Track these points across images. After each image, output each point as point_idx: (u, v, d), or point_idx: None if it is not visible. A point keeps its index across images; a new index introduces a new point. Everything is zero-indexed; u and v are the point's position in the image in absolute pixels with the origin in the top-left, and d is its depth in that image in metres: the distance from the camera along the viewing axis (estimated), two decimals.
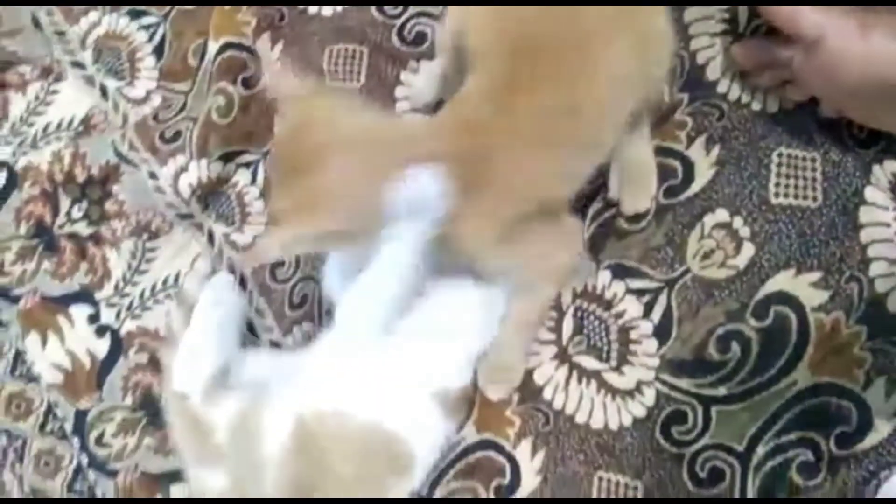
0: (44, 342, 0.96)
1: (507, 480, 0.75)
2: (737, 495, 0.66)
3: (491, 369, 0.73)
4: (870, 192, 0.67)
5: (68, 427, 0.94)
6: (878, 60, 0.58)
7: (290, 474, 0.67)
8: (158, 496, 0.89)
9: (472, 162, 0.55)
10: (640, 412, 0.71)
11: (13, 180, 1.00)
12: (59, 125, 0.99)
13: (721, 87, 0.72)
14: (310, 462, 0.68)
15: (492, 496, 0.75)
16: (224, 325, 0.82)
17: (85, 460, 0.93)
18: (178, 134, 0.89)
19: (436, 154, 0.55)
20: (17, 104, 1.02)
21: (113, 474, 0.91)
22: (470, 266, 0.66)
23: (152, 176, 0.92)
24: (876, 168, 0.67)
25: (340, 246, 0.65)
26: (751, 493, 0.66)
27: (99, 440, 0.93)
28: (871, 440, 0.64)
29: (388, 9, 0.87)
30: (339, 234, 0.56)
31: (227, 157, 0.89)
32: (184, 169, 0.88)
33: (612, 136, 0.60)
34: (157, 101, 0.95)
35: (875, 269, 0.66)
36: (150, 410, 0.91)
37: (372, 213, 0.55)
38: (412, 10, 0.86)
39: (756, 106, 0.71)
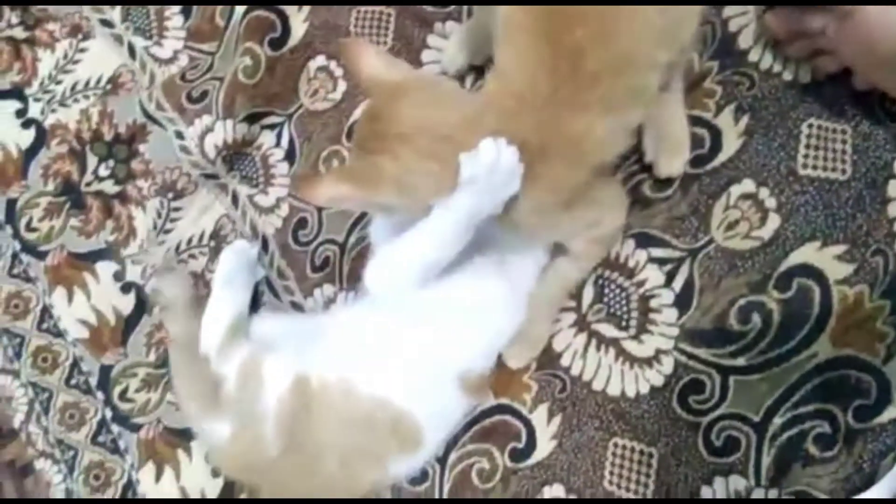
0: (70, 298, 0.99)
1: (522, 444, 0.77)
2: (751, 465, 0.67)
3: (516, 340, 0.75)
4: None
5: (93, 381, 0.98)
6: None
7: (286, 429, 0.70)
8: (180, 451, 0.92)
9: (543, 133, 0.56)
10: (658, 381, 0.72)
11: (41, 137, 1.02)
12: (87, 83, 1.01)
13: (753, 56, 0.72)
14: (306, 422, 0.70)
15: (507, 459, 0.77)
16: (241, 288, 0.84)
17: (109, 414, 0.96)
18: (204, 94, 0.91)
19: (509, 129, 0.56)
20: (47, 62, 1.03)
21: (136, 428, 0.94)
22: (521, 235, 0.67)
23: (179, 136, 0.93)
24: None
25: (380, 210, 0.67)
26: (765, 463, 0.67)
27: (123, 395, 0.96)
28: (889, 414, 0.64)
29: None
30: (385, 205, 0.59)
31: (252, 118, 0.90)
32: (210, 129, 0.89)
33: (654, 85, 0.60)
34: (184, 61, 0.96)
35: None
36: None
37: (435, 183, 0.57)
38: None
39: (787, 76, 0.70)
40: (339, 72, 0.89)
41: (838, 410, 0.65)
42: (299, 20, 0.91)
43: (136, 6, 1.00)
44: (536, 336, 0.75)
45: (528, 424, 0.77)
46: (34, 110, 1.03)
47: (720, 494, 0.68)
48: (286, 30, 0.90)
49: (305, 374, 0.70)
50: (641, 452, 0.72)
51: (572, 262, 0.71)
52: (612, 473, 0.73)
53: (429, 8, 0.86)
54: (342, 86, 0.89)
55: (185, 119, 0.92)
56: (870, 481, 0.63)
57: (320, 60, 0.90)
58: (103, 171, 0.99)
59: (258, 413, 0.70)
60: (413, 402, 0.70)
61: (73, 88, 1.02)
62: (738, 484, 0.68)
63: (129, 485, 0.95)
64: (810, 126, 0.69)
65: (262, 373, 0.71)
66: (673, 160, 0.70)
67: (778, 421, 0.67)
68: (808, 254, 0.67)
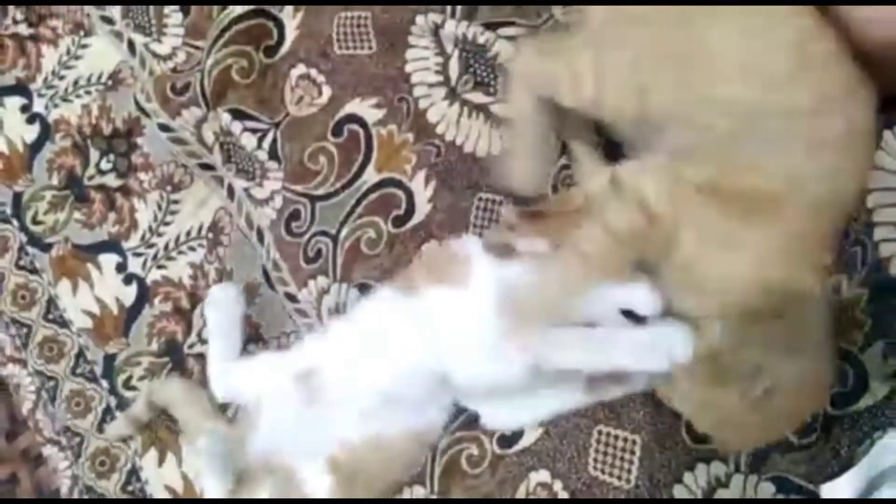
0: (74, 289, 1.03)
1: (509, 432, 0.79)
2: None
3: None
4: (879, 157, 0.67)
5: (98, 370, 1.01)
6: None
7: None
8: (181, 437, 0.96)
9: None
10: None
11: (46, 132, 1.05)
12: (88, 79, 1.04)
13: None
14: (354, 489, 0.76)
15: (494, 445, 0.79)
16: (232, 331, 0.88)
17: (114, 402, 1.00)
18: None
19: None
20: (50, 57, 1.07)
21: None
22: None
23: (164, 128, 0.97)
24: (887, 133, 0.68)
25: None
26: (744, 455, 0.69)
27: (126, 383, 0.99)
28: (866, 401, 0.66)
29: None
30: None
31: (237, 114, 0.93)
32: (204, 119, 0.92)
33: None
34: (181, 57, 0.99)
35: (879, 233, 0.67)
36: (174, 356, 0.97)
37: None
38: None
39: None
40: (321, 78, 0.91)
41: None
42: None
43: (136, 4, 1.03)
44: None
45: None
46: (38, 105, 1.07)
47: (702, 480, 0.70)
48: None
49: (332, 455, 0.76)
50: (625, 440, 0.74)
51: None
52: (596, 459, 0.75)
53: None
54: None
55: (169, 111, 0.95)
56: (846, 467, 0.65)
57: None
58: (105, 165, 1.02)
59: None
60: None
61: (75, 84, 1.05)
62: (718, 470, 0.70)
63: (133, 470, 0.99)
64: None
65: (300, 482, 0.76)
66: None
67: None
68: None
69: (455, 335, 0.70)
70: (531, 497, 0.77)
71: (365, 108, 0.88)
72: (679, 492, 0.71)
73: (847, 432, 0.66)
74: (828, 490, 0.64)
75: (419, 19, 0.86)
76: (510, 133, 0.76)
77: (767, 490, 0.68)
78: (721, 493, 0.69)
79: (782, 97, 0.57)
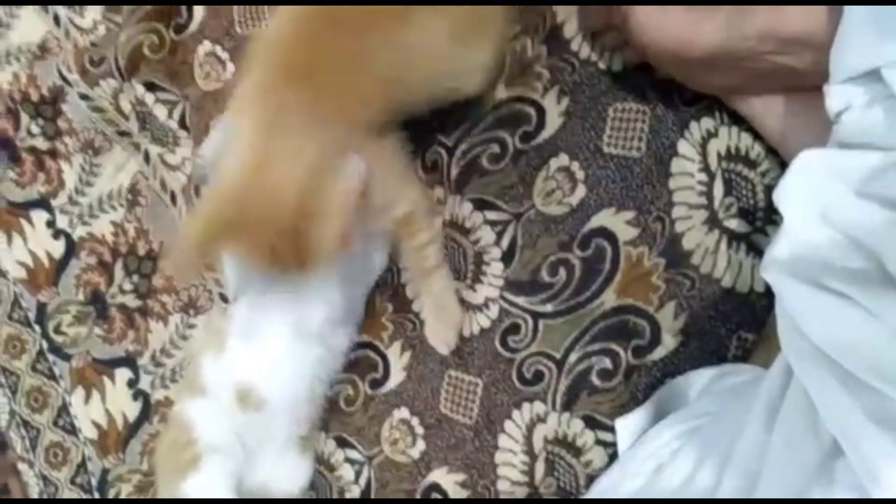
0: (9, 241, 1.15)
1: (379, 375, 0.93)
2: (550, 393, 0.83)
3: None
4: (682, 145, 0.79)
5: (32, 316, 1.14)
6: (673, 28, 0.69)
7: None
8: (105, 378, 1.09)
9: None
10: (486, 323, 0.87)
11: None
12: (19, 48, 1.14)
13: (574, 45, 0.84)
14: None
15: (367, 387, 0.93)
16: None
17: (45, 345, 1.13)
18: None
19: None
20: None
21: (68, 358, 1.11)
22: None
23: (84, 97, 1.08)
24: (693, 124, 0.80)
25: None
26: (561, 391, 0.83)
27: (57, 329, 1.12)
28: (659, 353, 0.79)
29: None
30: None
31: (150, 86, 1.04)
32: (120, 90, 1.03)
33: None
34: (102, 31, 1.09)
35: (677, 212, 0.79)
36: (97, 305, 1.10)
37: None
38: None
39: (602, 64, 0.83)
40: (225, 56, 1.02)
41: (619, 349, 0.81)
42: None
43: None
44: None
45: (384, 358, 0.93)
46: None
47: (526, 417, 0.84)
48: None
49: None
50: (469, 382, 0.88)
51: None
52: (446, 399, 0.89)
53: None
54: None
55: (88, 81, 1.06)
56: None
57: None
58: (34, 129, 1.13)
59: None
60: None
61: (7, 54, 1.14)
62: (539, 409, 0.84)
63: (64, 406, 1.13)
64: (615, 109, 0.82)
65: None
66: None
67: (573, 357, 0.82)
68: (604, 219, 0.81)
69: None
70: (395, 429, 0.92)
71: None
72: (509, 427, 0.85)
73: (643, 378, 0.80)
74: (621, 424, 0.78)
75: None
76: None
77: (577, 426, 0.82)
78: (540, 428, 0.83)
79: None
